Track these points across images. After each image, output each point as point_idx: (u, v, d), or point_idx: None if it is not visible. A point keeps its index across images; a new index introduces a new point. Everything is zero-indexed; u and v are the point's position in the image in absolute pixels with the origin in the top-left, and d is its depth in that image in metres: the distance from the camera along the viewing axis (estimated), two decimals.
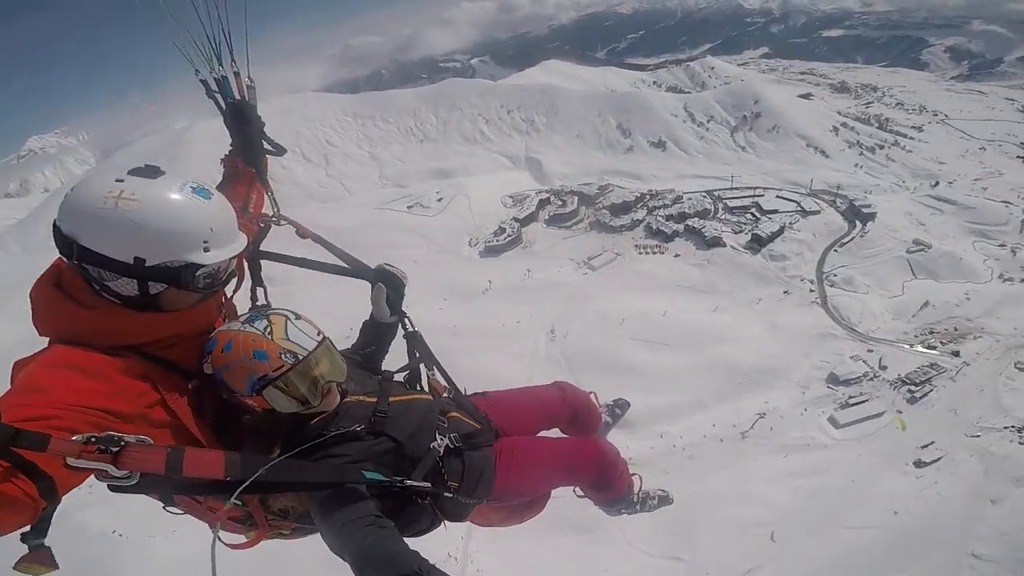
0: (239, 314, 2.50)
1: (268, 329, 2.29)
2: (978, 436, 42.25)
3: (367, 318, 3.31)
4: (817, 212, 67.54)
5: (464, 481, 2.86)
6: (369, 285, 3.22)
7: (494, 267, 64.94)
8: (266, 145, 3.16)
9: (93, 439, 1.60)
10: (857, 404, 45.89)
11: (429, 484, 2.60)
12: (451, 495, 2.78)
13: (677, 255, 64.49)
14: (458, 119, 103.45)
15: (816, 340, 51.44)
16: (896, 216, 65.93)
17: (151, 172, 2.03)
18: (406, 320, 3.27)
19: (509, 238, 70.16)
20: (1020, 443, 41.31)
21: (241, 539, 2.51)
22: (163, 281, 2.04)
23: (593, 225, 71.93)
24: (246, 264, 2.91)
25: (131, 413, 1.91)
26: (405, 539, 2.42)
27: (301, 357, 2.29)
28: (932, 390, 46.67)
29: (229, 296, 2.61)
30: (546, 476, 3.31)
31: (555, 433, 3.78)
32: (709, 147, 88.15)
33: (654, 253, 65.46)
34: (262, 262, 3.08)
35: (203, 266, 2.07)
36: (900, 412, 45.09)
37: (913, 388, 46.92)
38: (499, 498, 3.09)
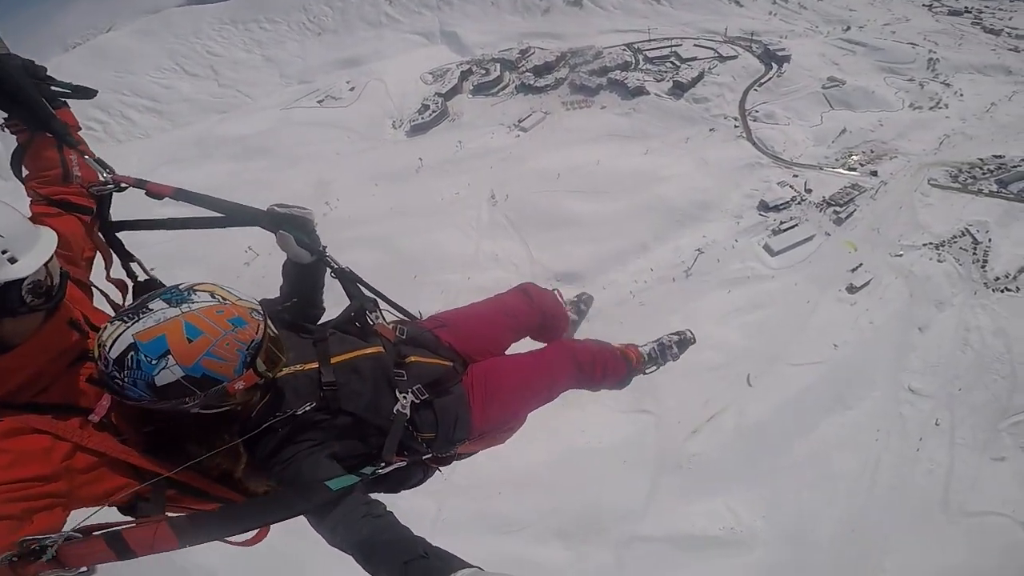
0: (130, 305, 2.04)
1: (218, 295, 2.02)
2: (901, 255, 43.98)
3: (285, 260, 2.83)
4: (735, 57, 66.75)
5: (439, 430, 2.71)
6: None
7: (423, 144, 61.76)
8: (60, 90, 2.58)
9: (14, 558, 1.48)
10: (789, 229, 46.72)
11: (404, 460, 2.47)
12: (429, 454, 2.66)
13: (603, 107, 63.05)
14: (357, 5, 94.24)
15: (745, 170, 51.80)
16: (810, 57, 65.97)
17: None
18: (329, 258, 2.82)
19: (434, 113, 66.41)
20: (939, 261, 43.20)
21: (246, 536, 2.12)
22: None
23: (519, 88, 69.01)
24: (103, 239, 2.57)
25: (50, 472, 1.74)
26: (404, 491, 2.67)
27: (262, 311, 2.11)
28: (855, 209, 48.04)
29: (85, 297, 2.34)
30: (526, 399, 3.16)
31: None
32: (625, 2, 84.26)
33: (581, 108, 63.92)
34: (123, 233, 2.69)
35: (22, 280, 1.81)
36: (828, 234, 46.51)
37: (838, 209, 48.04)
38: (481, 434, 2.94)
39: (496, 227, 48.74)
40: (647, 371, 4.32)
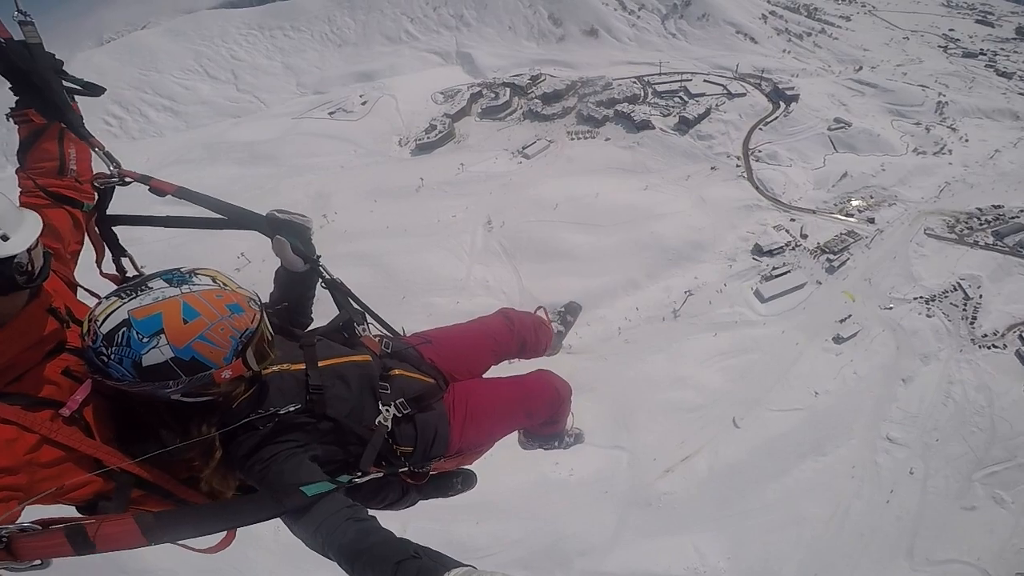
0: (128, 283, 2.00)
1: (219, 281, 2.03)
2: (890, 308, 44.41)
3: (279, 266, 2.88)
4: (743, 95, 67.30)
5: (418, 444, 2.71)
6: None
7: (426, 164, 62.50)
8: (71, 85, 2.58)
9: None
10: (780, 276, 47.11)
11: (382, 472, 2.45)
12: (406, 468, 2.64)
13: (608, 139, 63.72)
14: (378, 20, 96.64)
15: (742, 212, 52.35)
16: (819, 97, 66.51)
17: None
18: (322, 268, 2.89)
19: (440, 134, 67.36)
20: (927, 316, 43.60)
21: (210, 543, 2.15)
22: None
23: (526, 115, 69.89)
24: (98, 232, 2.59)
25: (11, 464, 1.69)
26: (377, 509, 2.50)
27: (259, 302, 2.10)
28: (849, 258, 48.40)
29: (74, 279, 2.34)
30: (503, 423, 3.24)
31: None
32: (640, 34, 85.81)
33: (585, 138, 64.64)
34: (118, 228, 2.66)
35: (13, 257, 1.78)
36: (820, 283, 46.95)
37: (831, 257, 48.43)
38: (457, 453, 2.96)
39: (489, 253, 49.31)
40: (550, 446, 4.48)
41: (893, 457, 37.52)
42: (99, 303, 1.93)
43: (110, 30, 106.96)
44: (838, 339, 42.73)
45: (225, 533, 2.19)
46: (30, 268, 1.87)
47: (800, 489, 36.19)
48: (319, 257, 2.84)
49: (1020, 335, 42.03)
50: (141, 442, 2.04)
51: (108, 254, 2.67)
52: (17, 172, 2.50)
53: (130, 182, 2.63)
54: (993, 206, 51.91)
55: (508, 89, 74.18)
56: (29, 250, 1.85)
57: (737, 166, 58.22)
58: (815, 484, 36.29)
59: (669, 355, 41.67)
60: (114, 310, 1.86)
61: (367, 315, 3.08)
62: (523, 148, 63.37)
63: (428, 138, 67.36)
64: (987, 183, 54.91)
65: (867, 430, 38.42)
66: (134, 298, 1.88)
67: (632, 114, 64.92)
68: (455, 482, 3.13)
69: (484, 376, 3.46)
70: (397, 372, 2.81)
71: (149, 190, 2.64)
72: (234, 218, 2.70)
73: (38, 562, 1.60)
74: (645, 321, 44.51)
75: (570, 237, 49.42)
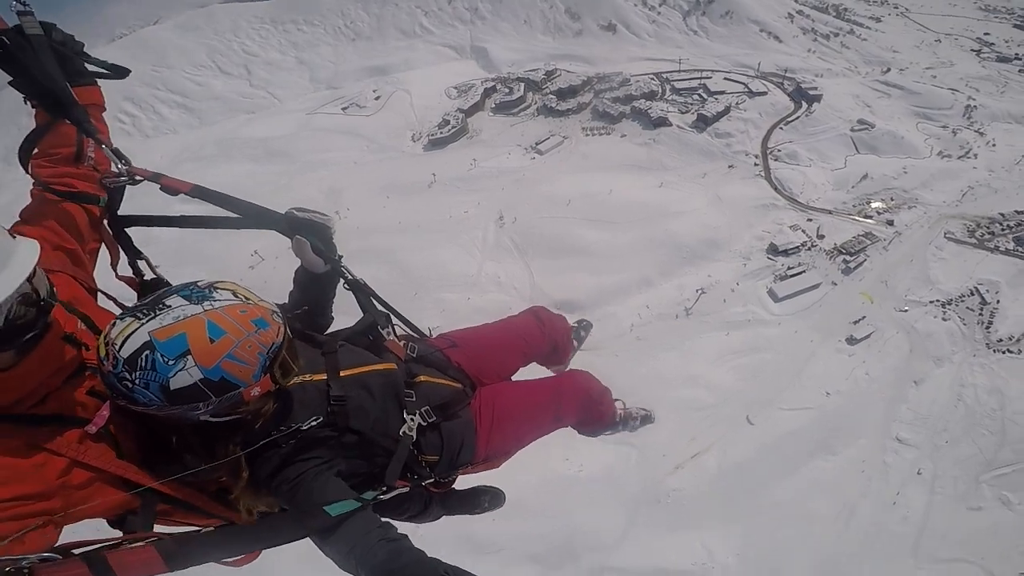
0: (143, 301, 1.89)
1: (240, 295, 1.92)
2: (906, 311, 44.00)
3: (299, 267, 2.78)
4: (764, 93, 66.60)
5: (444, 453, 2.66)
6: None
7: (439, 160, 62.77)
8: (95, 68, 2.50)
9: None
10: (795, 275, 46.76)
11: (408, 486, 2.43)
12: (432, 478, 2.61)
13: (623, 136, 63.49)
14: (393, 13, 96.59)
15: (759, 211, 52.01)
16: (843, 98, 65.61)
17: None
18: (344, 269, 2.77)
19: (453, 129, 67.40)
20: (943, 319, 43.23)
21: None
22: None
23: (540, 110, 69.77)
24: (111, 233, 2.46)
25: (44, 490, 1.67)
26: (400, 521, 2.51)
27: (281, 314, 1.99)
28: (865, 259, 47.92)
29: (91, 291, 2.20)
30: (532, 429, 3.13)
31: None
32: (660, 31, 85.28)
33: (600, 135, 64.35)
34: (132, 229, 2.53)
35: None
36: (835, 284, 46.57)
37: (848, 258, 47.97)
38: (484, 461, 2.90)
39: (501, 249, 49.45)
40: (607, 432, 4.21)
41: (902, 457, 37.42)
42: (113, 325, 1.81)
43: (121, 26, 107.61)
44: (851, 340, 42.42)
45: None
46: (30, 317, 1.71)
47: (809, 487, 36.17)
48: (341, 257, 2.76)
49: None
50: (165, 463, 1.99)
51: (123, 257, 2.57)
52: (32, 159, 2.37)
53: (141, 180, 2.49)
54: (1017, 211, 51.19)
55: (522, 84, 73.96)
56: (31, 280, 1.68)
57: (755, 165, 57.76)
58: (823, 483, 36.26)
59: (681, 353, 41.61)
60: (132, 332, 1.75)
61: (392, 316, 2.97)
62: (536, 144, 63.27)
63: (441, 133, 67.42)
64: (1012, 188, 54.14)
65: (877, 430, 38.29)
66: (153, 318, 1.77)
67: (649, 111, 64.56)
68: (483, 500, 3.16)
69: (513, 379, 3.38)
70: (423, 378, 2.73)
71: (161, 189, 2.48)
72: (252, 217, 2.57)
73: None
74: (657, 319, 44.42)
75: (583, 234, 49.41)
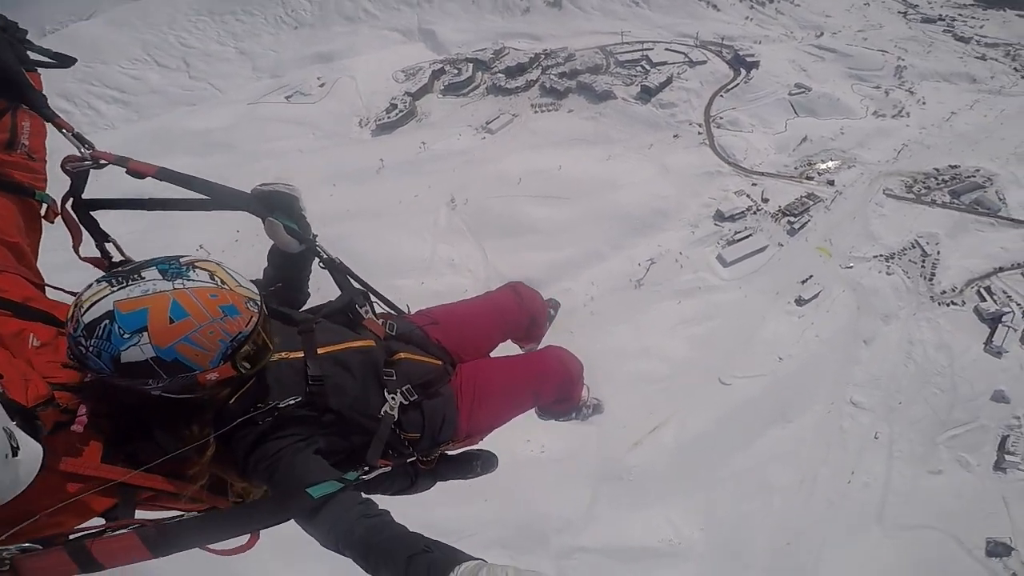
0: (124, 267, 1.84)
1: (218, 277, 1.86)
2: (851, 267, 43.71)
3: (272, 245, 2.70)
4: (704, 62, 65.60)
5: (425, 431, 2.63)
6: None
7: (387, 145, 60.02)
8: (38, 57, 2.37)
9: None
10: (742, 239, 46.09)
11: (390, 465, 2.40)
12: (414, 456, 2.59)
13: (571, 111, 61.76)
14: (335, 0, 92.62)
15: (704, 178, 51.01)
16: (780, 63, 65.04)
17: None
18: (319, 248, 2.70)
19: (401, 113, 64.48)
20: (888, 274, 43.05)
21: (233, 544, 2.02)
22: None
23: (490, 90, 67.41)
24: (75, 217, 2.37)
25: (32, 509, 1.61)
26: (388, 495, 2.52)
27: (259, 302, 1.95)
28: (809, 220, 47.50)
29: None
30: (512, 406, 3.14)
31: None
32: (604, 4, 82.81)
33: (549, 111, 62.61)
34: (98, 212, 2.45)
35: None
36: (781, 245, 46.02)
37: (792, 219, 47.47)
38: (465, 438, 2.89)
39: (454, 232, 47.56)
40: (561, 419, 4.26)
41: (858, 422, 37.08)
42: (89, 286, 1.76)
43: (52, 21, 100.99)
44: (800, 301, 41.97)
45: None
46: None
47: (767, 457, 35.61)
48: (315, 236, 2.67)
49: (978, 291, 41.58)
50: (139, 441, 1.93)
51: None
52: None
53: (105, 164, 2.34)
54: (950, 166, 51.45)
55: (471, 64, 71.44)
56: None
57: (699, 133, 56.82)
58: (782, 452, 35.71)
59: (635, 326, 40.63)
60: (100, 299, 1.70)
61: (370, 294, 2.88)
62: (487, 123, 61.17)
63: (389, 118, 64.56)
64: (944, 144, 54.31)
65: (831, 395, 37.87)
66: (123, 288, 1.71)
67: (594, 85, 62.91)
68: (475, 465, 3.04)
69: (492, 355, 3.30)
70: (403, 356, 2.64)
71: (127, 172, 2.39)
72: (220, 199, 2.47)
73: None
74: (609, 292, 43.21)
75: (533, 211, 47.79)
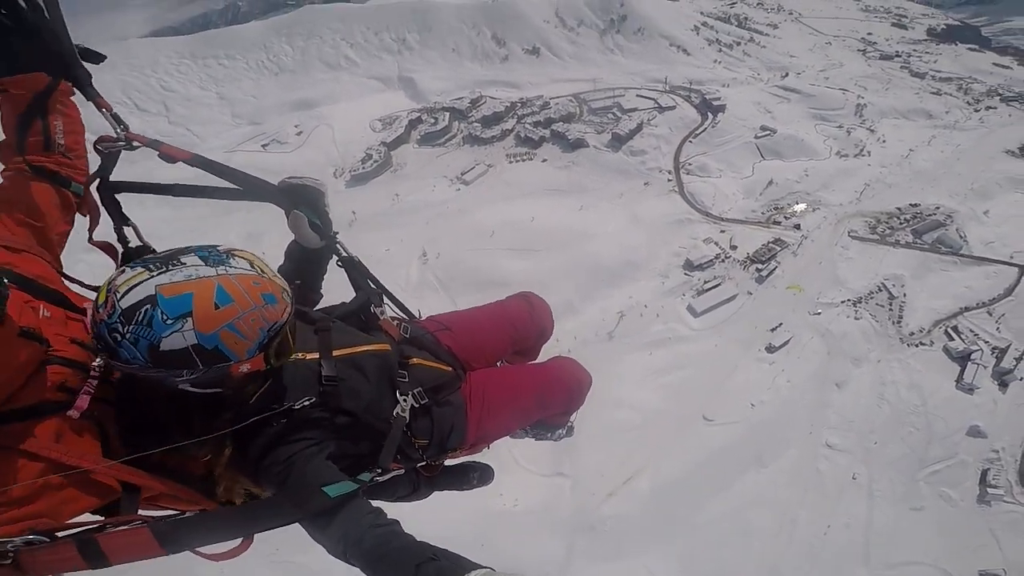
0: (158, 254, 1.72)
1: (256, 266, 1.77)
2: (819, 314, 43.27)
3: (291, 241, 2.64)
4: (673, 108, 65.91)
5: (433, 437, 2.55)
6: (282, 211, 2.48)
7: (360, 196, 59.19)
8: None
9: None
10: (712, 288, 45.66)
11: (402, 468, 2.33)
12: (423, 460, 2.54)
13: (544, 160, 61.61)
14: (317, 46, 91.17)
15: (674, 227, 50.79)
16: (745, 106, 65.57)
17: None
18: (339, 245, 2.65)
19: (376, 163, 63.70)
20: (856, 319, 42.68)
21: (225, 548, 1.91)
22: None
23: (466, 139, 67.12)
24: (98, 200, 2.33)
25: (25, 493, 1.53)
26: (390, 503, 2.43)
27: (292, 294, 1.87)
28: (777, 267, 47.17)
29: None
30: (520, 416, 3.04)
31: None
32: (580, 51, 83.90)
33: (523, 160, 62.28)
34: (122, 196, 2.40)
35: None
36: (750, 293, 45.66)
37: (760, 267, 47.07)
38: (471, 446, 2.81)
39: (425, 286, 46.60)
40: (541, 437, 3.95)
41: (834, 464, 36.41)
42: (122, 271, 1.61)
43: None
44: (771, 348, 41.50)
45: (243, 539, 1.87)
46: None
47: (744, 502, 34.79)
48: (336, 234, 2.61)
49: (946, 331, 41.35)
50: (151, 438, 1.78)
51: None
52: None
53: (138, 147, 2.32)
54: (911, 204, 51.66)
55: (448, 114, 71.15)
56: None
57: (668, 180, 56.76)
58: (759, 496, 34.93)
59: (606, 377, 39.75)
60: (140, 283, 1.56)
61: (384, 296, 2.77)
62: (462, 174, 60.76)
63: (363, 168, 63.72)
64: (904, 182, 54.69)
65: (806, 438, 37.21)
66: (164, 272, 1.59)
67: (567, 133, 62.94)
68: (471, 477, 2.96)
69: (500, 365, 3.20)
70: (416, 361, 2.55)
71: (159, 156, 2.34)
72: (248, 189, 2.42)
73: None
74: (582, 345, 42.20)
75: (506, 264, 47.17)
